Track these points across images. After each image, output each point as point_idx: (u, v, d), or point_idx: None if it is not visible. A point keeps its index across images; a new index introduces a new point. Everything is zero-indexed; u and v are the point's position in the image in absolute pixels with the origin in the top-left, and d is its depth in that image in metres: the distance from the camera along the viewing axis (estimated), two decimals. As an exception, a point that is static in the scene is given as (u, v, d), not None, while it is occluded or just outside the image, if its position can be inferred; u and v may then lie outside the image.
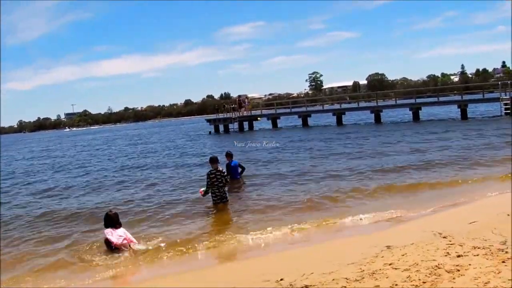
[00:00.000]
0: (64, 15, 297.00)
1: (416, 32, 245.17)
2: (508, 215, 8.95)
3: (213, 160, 12.74)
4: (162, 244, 9.88)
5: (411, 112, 46.61)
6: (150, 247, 9.72)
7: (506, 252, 6.71)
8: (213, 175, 12.55)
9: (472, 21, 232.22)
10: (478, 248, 7.04)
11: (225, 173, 12.95)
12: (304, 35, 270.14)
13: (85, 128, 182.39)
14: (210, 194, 12.78)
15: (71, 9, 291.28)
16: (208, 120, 57.93)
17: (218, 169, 12.67)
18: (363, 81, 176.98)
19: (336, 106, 61.14)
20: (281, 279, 6.72)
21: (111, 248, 9.55)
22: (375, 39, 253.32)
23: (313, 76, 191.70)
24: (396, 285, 5.92)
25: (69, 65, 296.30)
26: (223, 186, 12.68)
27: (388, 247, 7.74)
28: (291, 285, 6.48)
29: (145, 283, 8.15)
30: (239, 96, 60.08)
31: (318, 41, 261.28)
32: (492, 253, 6.74)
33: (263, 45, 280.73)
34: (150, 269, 8.81)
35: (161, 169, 23.41)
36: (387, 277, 6.22)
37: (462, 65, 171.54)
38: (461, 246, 7.26)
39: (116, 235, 9.61)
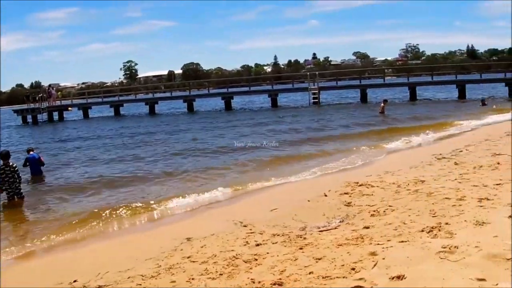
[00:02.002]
0: None
1: (232, 23, 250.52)
2: (309, 201, 9.19)
3: (2, 156, 11.91)
4: None
5: (223, 102, 47.34)
6: None
7: (305, 238, 6.75)
8: (2, 171, 11.79)
9: (285, 16, 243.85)
10: (278, 235, 7.06)
11: (16, 169, 12.06)
12: (121, 22, 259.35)
13: None
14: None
15: None
16: (16, 111, 53.04)
17: (8, 164, 11.85)
18: (178, 71, 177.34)
19: (150, 96, 60.12)
20: (75, 281, 6.20)
21: None
22: (192, 29, 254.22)
23: (128, 64, 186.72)
24: (193, 279, 5.68)
25: None
26: (15, 182, 11.88)
27: (188, 239, 7.49)
28: (84, 286, 5.98)
29: None
30: (50, 85, 56.42)
31: (135, 29, 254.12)
32: (290, 240, 6.77)
33: (78, 32, 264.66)
34: None
35: None
36: (184, 271, 5.98)
37: (275, 56, 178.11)
38: (261, 234, 7.23)
39: None
